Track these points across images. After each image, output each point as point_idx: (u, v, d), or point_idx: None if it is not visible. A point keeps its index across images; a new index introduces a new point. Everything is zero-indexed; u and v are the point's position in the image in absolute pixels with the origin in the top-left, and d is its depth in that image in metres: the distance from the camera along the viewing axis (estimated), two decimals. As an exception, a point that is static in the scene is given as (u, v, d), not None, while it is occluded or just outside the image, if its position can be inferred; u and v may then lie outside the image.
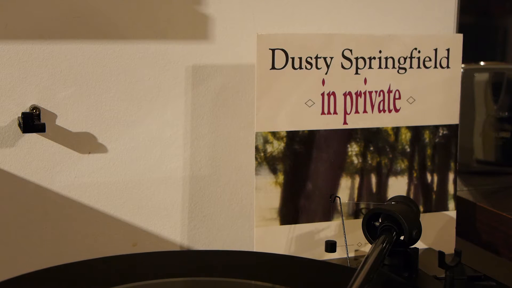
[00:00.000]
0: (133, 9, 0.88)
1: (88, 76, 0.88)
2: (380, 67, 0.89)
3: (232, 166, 0.95)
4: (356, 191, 0.90)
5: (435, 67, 0.92)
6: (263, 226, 0.86)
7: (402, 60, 0.90)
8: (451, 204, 0.94)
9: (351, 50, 0.88)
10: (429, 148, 0.93)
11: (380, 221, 0.81)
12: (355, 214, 0.90)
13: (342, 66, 0.88)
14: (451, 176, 0.94)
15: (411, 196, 0.91)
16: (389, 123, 0.90)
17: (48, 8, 0.85)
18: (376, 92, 0.89)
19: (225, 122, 0.94)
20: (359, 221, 0.85)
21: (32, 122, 0.83)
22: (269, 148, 0.85)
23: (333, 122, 0.88)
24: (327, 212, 0.88)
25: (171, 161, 0.92)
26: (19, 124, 0.84)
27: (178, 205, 0.94)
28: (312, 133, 0.87)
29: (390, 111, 0.90)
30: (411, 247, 0.81)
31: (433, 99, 0.92)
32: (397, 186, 0.91)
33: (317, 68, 0.87)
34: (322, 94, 0.87)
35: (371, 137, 0.90)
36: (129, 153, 0.91)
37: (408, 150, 0.92)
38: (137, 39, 0.89)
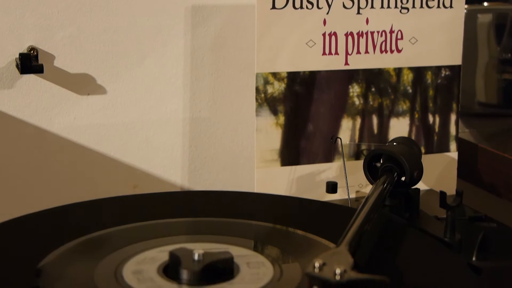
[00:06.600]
0: None
1: (86, 16, 0.86)
2: (382, 6, 0.88)
3: (232, 107, 0.95)
4: (357, 132, 0.89)
5: (438, 7, 0.91)
6: (264, 167, 0.85)
7: (404, 0, 0.89)
8: (453, 146, 0.94)
9: (353, -11, 0.87)
10: (431, 89, 0.92)
11: (381, 162, 0.81)
12: (356, 155, 0.90)
13: (344, 6, 0.86)
14: (453, 118, 0.93)
15: (413, 137, 0.91)
16: (391, 63, 0.90)
17: None
18: (378, 32, 0.88)
19: (225, 63, 0.93)
20: (360, 162, 0.85)
21: (30, 63, 0.82)
22: (270, 89, 0.85)
23: (334, 63, 0.87)
24: (328, 153, 0.88)
25: (171, 103, 0.92)
26: (17, 65, 0.83)
27: (178, 147, 0.93)
28: (313, 74, 0.86)
29: (392, 51, 0.89)
30: (412, 188, 0.81)
31: (435, 40, 0.91)
32: (399, 127, 0.91)
33: (318, 7, 0.85)
34: (323, 35, 0.86)
35: (372, 78, 0.89)
36: (128, 94, 0.90)
37: (410, 91, 0.91)
38: (135, -22, 0.88)
